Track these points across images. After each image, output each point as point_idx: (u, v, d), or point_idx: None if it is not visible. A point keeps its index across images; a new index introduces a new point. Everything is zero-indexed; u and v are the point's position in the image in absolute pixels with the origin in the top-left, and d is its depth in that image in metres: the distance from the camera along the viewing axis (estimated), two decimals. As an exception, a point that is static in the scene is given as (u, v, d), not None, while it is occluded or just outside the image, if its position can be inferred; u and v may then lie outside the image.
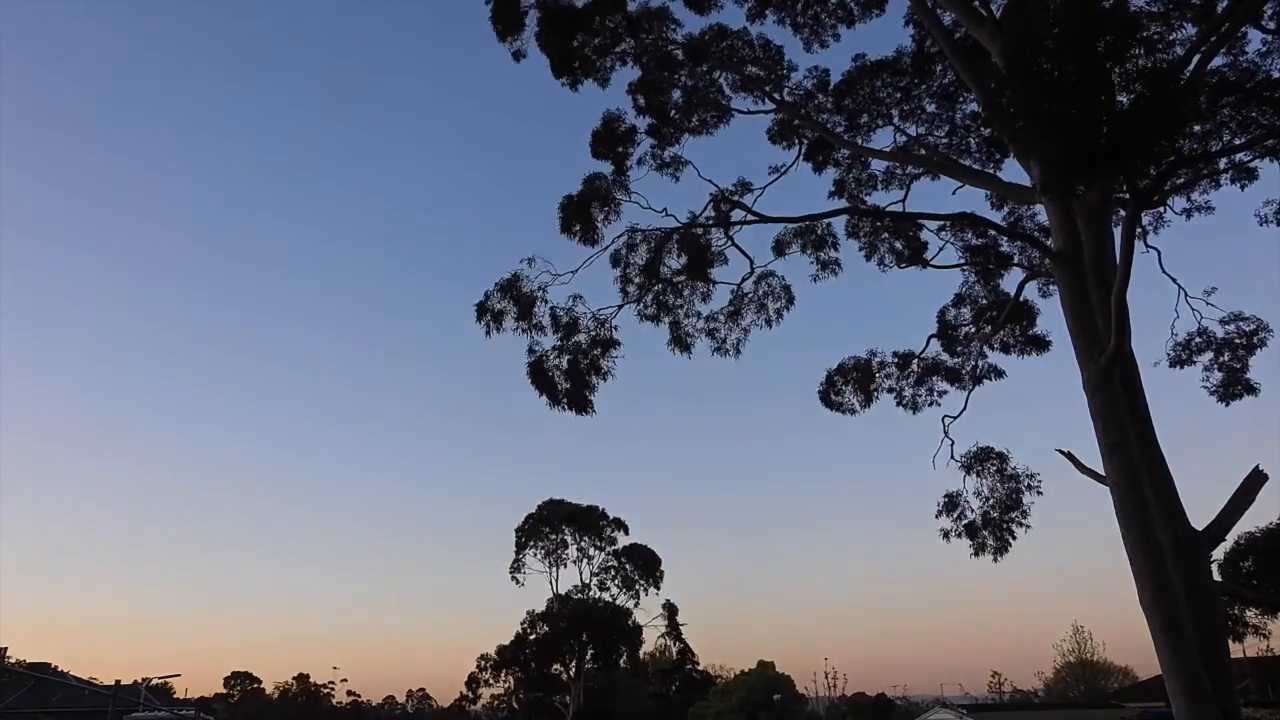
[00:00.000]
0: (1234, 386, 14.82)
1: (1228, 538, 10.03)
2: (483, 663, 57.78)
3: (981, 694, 65.49)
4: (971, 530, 14.80)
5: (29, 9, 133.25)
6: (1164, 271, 14.65)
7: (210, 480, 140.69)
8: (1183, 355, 15.32)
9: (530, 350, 14.90)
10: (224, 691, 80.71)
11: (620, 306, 15.16)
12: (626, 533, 59.04)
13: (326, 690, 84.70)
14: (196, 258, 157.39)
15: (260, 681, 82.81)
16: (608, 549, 58.71)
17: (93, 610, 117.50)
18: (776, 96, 16.57)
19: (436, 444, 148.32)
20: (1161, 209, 15.11)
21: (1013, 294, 16.09)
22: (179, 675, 71.85)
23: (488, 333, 14.69)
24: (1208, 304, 14.93)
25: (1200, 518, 9.77)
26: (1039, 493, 14.69)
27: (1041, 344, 16.95)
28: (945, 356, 17.31)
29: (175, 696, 72.79)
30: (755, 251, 15.18)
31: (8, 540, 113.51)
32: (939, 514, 15.19)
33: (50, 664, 60.96)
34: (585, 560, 58.76)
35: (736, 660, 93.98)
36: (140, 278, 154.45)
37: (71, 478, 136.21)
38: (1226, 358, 14.90)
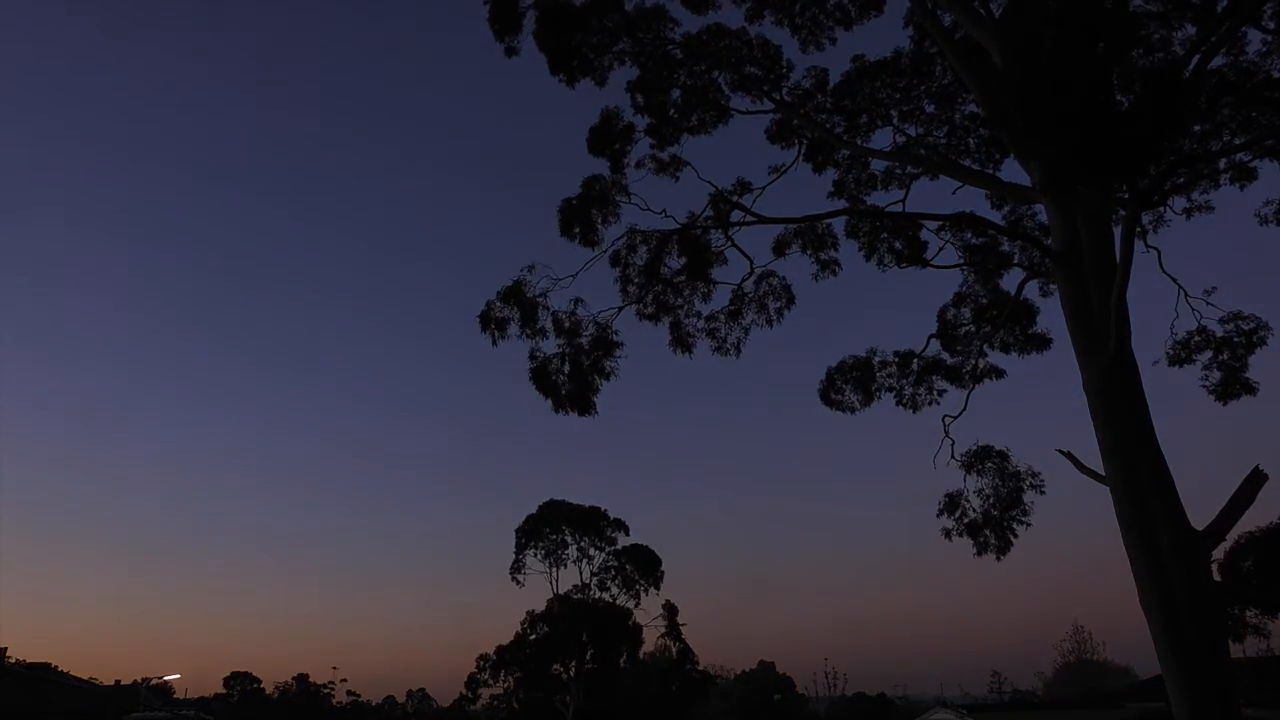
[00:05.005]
0: (1233, 386, 14.78)
1: (1228, 538, 10.00)
2: (483, 663, 57.72)
3: (981, 694, 65.63)
4: (973, 529, 14.75)
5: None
6: (1164, 271, 14.62)
7: (210, 480, 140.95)
8: (1182, 354, 15.29)
9: (533, 355, 14.88)
10: (224, 691, 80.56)
11: (621, 308, 15.15)
12: (627, 533, 59.06)
13: (326, 690, 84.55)
14: (199, 250, 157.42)
15: (260, 681, 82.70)
16: (608, 549, 58.66)
17: (93, 610, 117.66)
18: (775, 96, 16.54)
19: (437, 444, 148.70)
20: (1161, 209, 15.08)
21: (1013, 293, 16.08)
22: (179, 675, 71.76)
23: (493, 341, 14.68)
24: (1208, 304, 14.88)
25: (1200, 518, 9.76)
26: (1040, 491, 14.65)
27: (1042, 343, 16.90)
28: (945, 355, 17.24)
29: (175, 696, 72.82)
30: (755, 251, 15.18)
31: (8, 540, 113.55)
32: (940, 513, 15.11)
33: (50, 664, 60.88)
34: (585, 561, 58.75)
35: (736, 660, 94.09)
36: (147, 270, 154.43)
37: (71, 478, 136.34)
38: (1225, 357, 14.87)
